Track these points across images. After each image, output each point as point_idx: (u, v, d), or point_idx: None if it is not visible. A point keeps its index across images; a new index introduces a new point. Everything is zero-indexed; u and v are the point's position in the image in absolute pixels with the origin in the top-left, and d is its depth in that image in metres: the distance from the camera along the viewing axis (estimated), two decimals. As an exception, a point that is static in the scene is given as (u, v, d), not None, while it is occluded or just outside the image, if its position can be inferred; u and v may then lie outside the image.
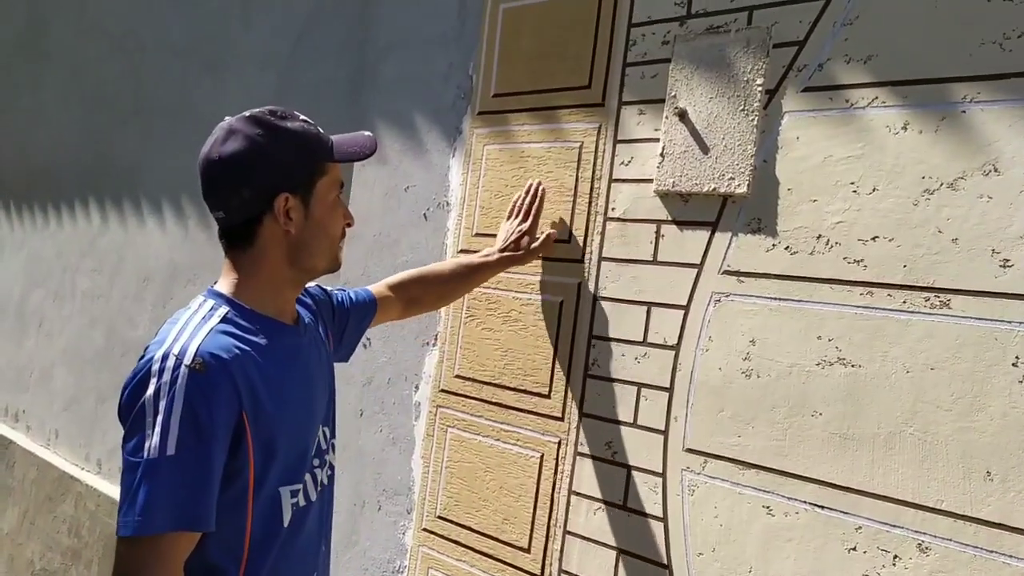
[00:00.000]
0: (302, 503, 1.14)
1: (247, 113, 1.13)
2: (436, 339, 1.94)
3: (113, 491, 3.17)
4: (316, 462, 1.19)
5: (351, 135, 1.20)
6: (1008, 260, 1.17)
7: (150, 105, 3.31)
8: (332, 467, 1.26)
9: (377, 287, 1.59)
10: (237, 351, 1.05)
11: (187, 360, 1.00)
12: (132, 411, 1.00)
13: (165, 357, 1.01)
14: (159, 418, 0.97)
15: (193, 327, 1.06)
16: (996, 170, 1.19)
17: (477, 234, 1.87)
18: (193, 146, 3.29)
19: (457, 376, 1.88)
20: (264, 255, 1.14)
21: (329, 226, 1.16)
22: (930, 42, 1.26)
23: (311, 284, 1.40)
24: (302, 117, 1.16)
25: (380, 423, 2.06)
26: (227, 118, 1.14)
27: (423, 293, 1.64)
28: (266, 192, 1.10)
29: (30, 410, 3.85)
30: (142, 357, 1.04)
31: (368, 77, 2.24)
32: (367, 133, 1.21)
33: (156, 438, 0.97)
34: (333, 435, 1.27)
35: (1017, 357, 1.15)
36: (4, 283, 4.17)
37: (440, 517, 1.87)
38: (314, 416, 1.19)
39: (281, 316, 1.16)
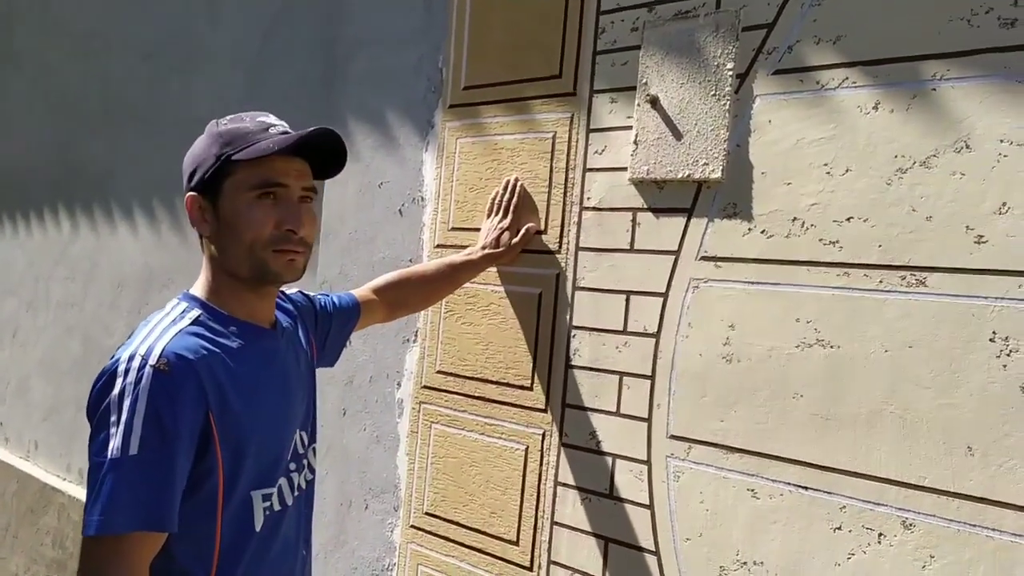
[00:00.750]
0: (276, 507, 1.13)
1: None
2: (416, 335, 1.93)
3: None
4: (292, 466, 1.17)
5: (281, 136, 1.09)
6: (982, 236, 1.17)
7: (118, 108, 3.26)
8: (312, 471, 1.24)
9: (360, 291, 1.58)
10: (204, 352, 1.04)
11: (152, 360, 1.00)
12: (98, 411, 1.00)
13: (131, 358, 1.01)
14: (123, 418, 0.97)
15: (162, 329, 1.05)
16: (968, 147, 1.19)
17: (453, 228, 1.86)
18: (163, 149, 3.25)
19: (439, 372, 1.86)
20: (207, 257, 1.14)
21: (242, 230, 1.07)
22: (898, 21, 1.26)
23: (292, 290, 1.38)
24: (260, 118, 1.12)
25: (363, 422, 2.04)
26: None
27: (407, 295, 1.63)
28: (186, 192, 1.12)
29: (8, 422, 3.79)
30: (111, 358, 1.03)
31: (339, 73, 2.21)
32: (320, 128, 1.11)
33: (120, 438, 0.96)
34: (313, 439, 1.26)
35: (994, 332, 1.16)
36: (-25, 294, 4.09)
37: (427, 513, 1.86)
38: (289, 419, 1.17)
39: (254, 319, 1.15)
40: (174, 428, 0.98)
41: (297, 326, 1.29)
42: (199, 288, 1.13)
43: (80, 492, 3.27)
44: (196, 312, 1.09)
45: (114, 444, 0.96)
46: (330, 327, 1.43)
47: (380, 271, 1.99)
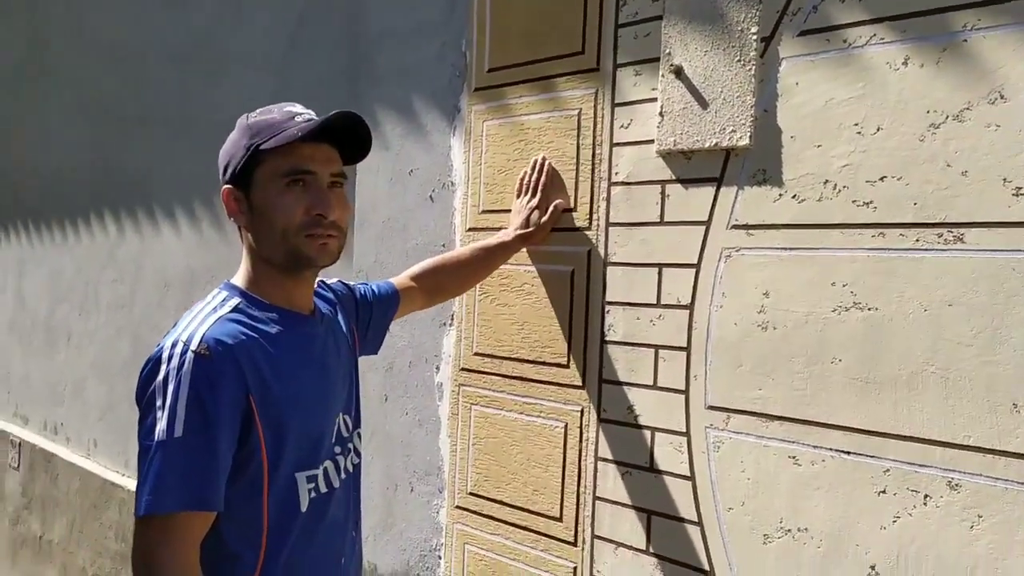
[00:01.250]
0: (323, 489, 1.16)
1: None
2: (452, 319, 1.95)
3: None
4: (337, 449, 1.20)
5: (307, 122, 1.11)
6: (1021, 188, 1.15)
7: (153, 114, 3.34)
8: (359, 455, 1.27)
9: (398, 279, 1.61)
10: (243, 337, 1.08)
11: (193, 346, 1.04)
12: (144, 396, 1.04)
13: (174, 344, 1.05)
14: (167, 402, 1.01)
15: (203, 316, 1.09)
16: (1002, 97, 1.16)
17: (484, 211, 1.87)
18: (198, 151, 3.33)
19: (476, 354, 1.88)
20: (246, 247, 1.18)
21: (274, 217, 1.10)
22: (925, -28, 1.23)
23: (332, 280, 1.42)
24: (287, 108, 1.15)
25: (405, 406, 2.08)
26: None
27: (444, 280, 1.66)
28: (222, 185, 1.16)
29: (67, 422, 3.93)
30: (157, 346, 1.07)
31: (363, 68, 2.23)
32: (341, 111, 1.12)
33: (165, 421, 1.00)
34: (358, 424, 1.29)
35: (1036, 286, 1.13)
36: (30, 300, 4.24)
37: (472, 494, 1.89)
38: (330, 402, 1.20)
39: (293, 306, 1.18)
40: (215, 411, 1.02)
41: (337, 313, 1.32)
42: (239, 278, 1.17)
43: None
44: (236, 300, 1.12)
45: (160, 427, 1.00)
46: (371, 315, 1.46)
47: (414, 257, 2.02)
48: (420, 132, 2.04)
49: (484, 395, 1.87)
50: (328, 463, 1.17)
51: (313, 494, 1.15)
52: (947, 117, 1.21)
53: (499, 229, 1.81)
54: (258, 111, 1.16)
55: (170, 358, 1.03)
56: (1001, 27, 1.16)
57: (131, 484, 3.43)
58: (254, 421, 1.05)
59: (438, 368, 1.99)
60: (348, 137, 1.16)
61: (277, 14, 2.67)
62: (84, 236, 3.80)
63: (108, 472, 3.59)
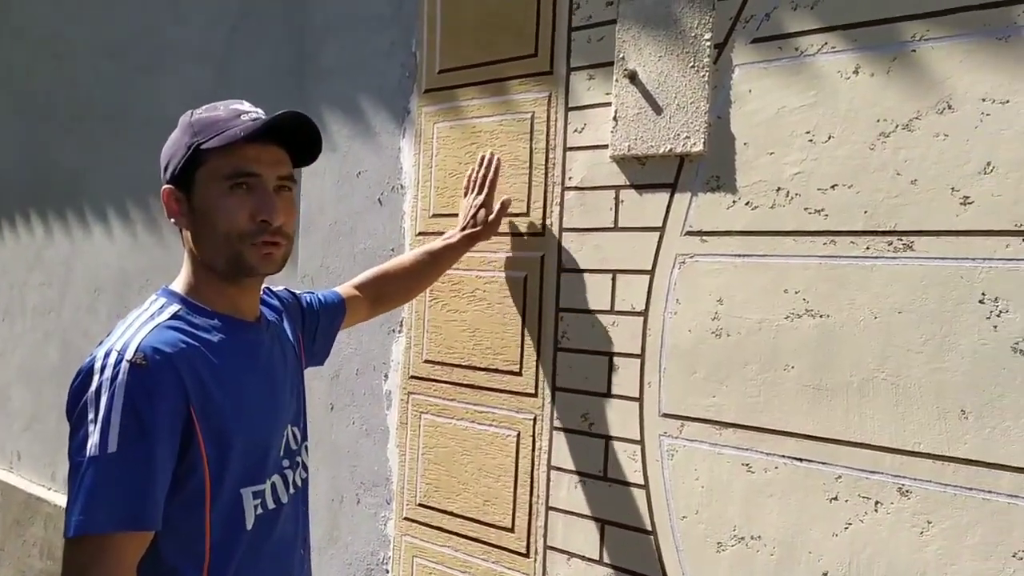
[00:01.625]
0: (270, 505, 1.10)
1: None
2: (402, 325, 1.90)
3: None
4: (286, 463, 1.14)
5: (252, 121, 1.05)
6: (968, 197, 1.16)
7: (87, 110, 3.19)
8: (307, 468, 1.22)
9: (344, 288, 1.56)
10: (183, 345, 1.02)
11: (128, 355, 0.97)
12: (75, 410, 0.98)
13: (107, 354, 0.98)
14: (100, 415, 0.95)
15: (139, 324, 1.02)
16: (950, 107, 1.18)
17: (435, 215, 1.83)
18: (135, 148, 3.19)
19: (426, 361, 1.84)
20: (187, 251, 1.12)
21: (215, 221, 1.04)
22: (876, -17, 1.24)
23: (279, 287, 1.36)
24: (234, 106, 1.09)
25: (351, 415, 2.01)
26: None
27: (390, 288, 1.61)
28: (163, 184, 1.10)
29: (-10, 434, 3.72)
30: (89, 356, 1.00)
31: (309, 63, 2.17)
32: (288, 111, 1.06)
33: (97, 435, 0.94)
34: (305, 436, 1.23)
35: (983, 293, 1.15)
36: (-50, 306, 4.01)
37: (421, 505, 1.84)
38: (277, 413, 1.15)
39: (237, 312, 1.12)
40: (152, 423, 0.95)
41: (283, 321, 1.27)
42: (179, 283, 1.11)
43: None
44: (175, 307, 1.06)
45: (92, 442, 0.94)
46: (317, 325, 1.40)
47: (362, 262, 1.97)
48: (368, 133, 1.99)
49: (434, 403, 1.82)
50: (276, 478, 1.12)
51: (259, 510, 1.09)
52: (897, 126, 1.23)
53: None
54: (203, 108, 1.10)
55: (103, 368, 0.96)
56: (949, 38, 1.18)
57: (58, 499, 3.26)
58: (195, 433, 0.99)
59: (386, 376, 1.94)
60: (297, 138, 1.10)
61: (218, 4, 2.57)
62: (9, 237, 3.61)
63: (33, 486, 3.42)
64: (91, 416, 0.94)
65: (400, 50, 1.93)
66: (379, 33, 1.97)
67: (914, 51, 1.21)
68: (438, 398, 1.82)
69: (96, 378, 0.96)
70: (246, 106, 1.09)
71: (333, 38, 2.09)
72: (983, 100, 1.15)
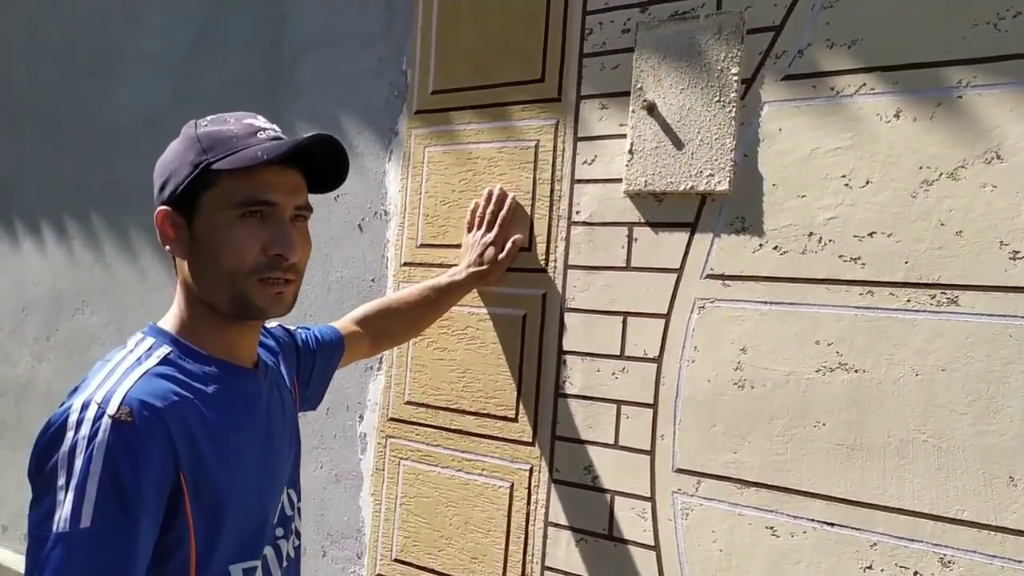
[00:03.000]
0: None
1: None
2: (381, 363, 1.75)
3: (17, 564, 2.78)
4: (280, 531, 0.99)
5: (273, 142, 0.92)
6: (1018, 252, 1.11)
7: (23, 114, 2.94)
8: (299, 535, 1.06)
9: (342, 323, 1.40)
10: (175, 398, 0.86)
11: (111, 409, 0.81)
12: (42, 472, 0.81)
13: (85, 406, 0.82)
14: (74, 481, 0.78)
15: (124, 370, 0.86)
16: (999, 157, 1.13)
17: (423, 244, 1.70)
18: (77, 158, 2.94)
19: (408, 403, 1.69)
20: (180, 284, 0.96)
21: (221, 254, 0.90)
22: (918, 25, 1.19)
23: (272, 323, 1.20)
24: (247, 120, 0.94)
25: (320, 459, 1.85)
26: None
27: (392, 324, 1.46)
28: (157, 206, 0.94)
29: None
30: (61, 405, 0.84)
31: (284, 77, 2.02)
32: (319, 134, 0.93)
33: (69, 506, 0.78)
34: (299, 498, 1.08)
35: (1034, 354, 1.09)
36: None
37: (397, 560, 1.68)
38: (276, 477, 0.99)
39: (236, 358, 0.96)
40: (137, 493, 0.80)
41: (280, 364, 1.11)
42: (169, 320, 0.95)
43: (9, 558, 2.90)
44: (165, 349, 0.90)
45: (61, 514, 0.77)
46: (313, 365, 1.25)
47: (336, 292, 1.82)
48: (350, 154, 1.84)
49: (416, 449, 1.68)
50: (269, 550, 0.96)
51: None
52: (941, 174, 1.17)
53: (439, 265, 1.65)
54: (209, 119, 0.95)
55: (79, 423, 0.80)
56: (998, 85, 1.13)
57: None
58: (183, 503, 0.83)
59: (362, 417, 1.78)
60: (319, 162, 0.97)
61: (180, 8, 2.40)
62: (-76, 248, 3.28)
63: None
64: (61, 481, 0.78)
65: (389, 68, 1.80)
66: (366, 49, 1.84)
67: (960, 97, 1.16)
68: (421, 443, 1.67)
69: (70, 435, 0.80)
70: (261, 121, 0.95)
71: (313, 53, 1.95)
72: (1035, 151, 1.10)
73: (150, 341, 0.92)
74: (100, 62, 2.65)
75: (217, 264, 0.90)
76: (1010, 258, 1.11)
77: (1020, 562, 1.09)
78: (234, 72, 2.21)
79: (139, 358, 0.88)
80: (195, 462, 0.85)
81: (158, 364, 0.88)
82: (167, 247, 0.94)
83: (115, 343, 2.47)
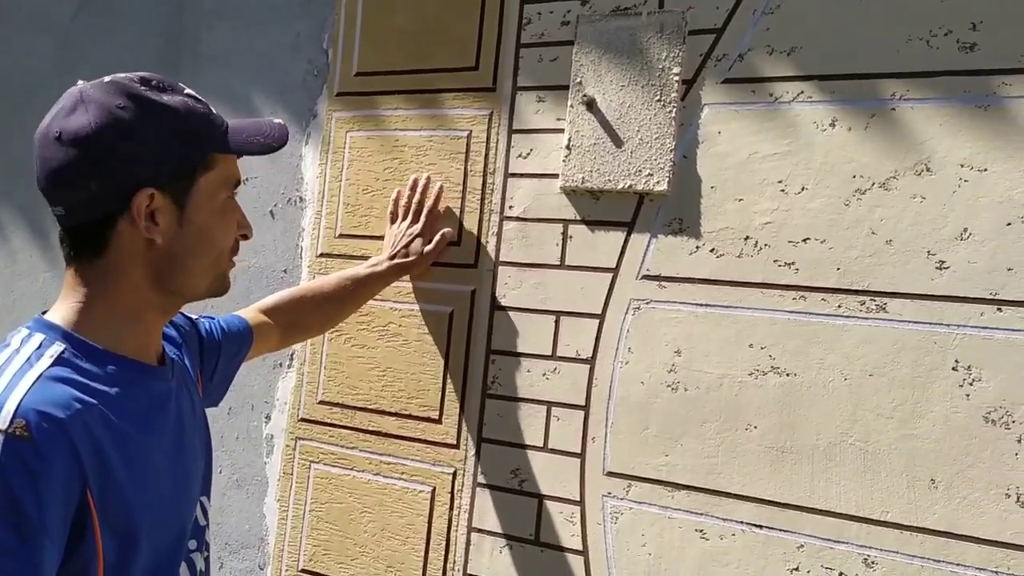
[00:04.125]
0: None
1: (108, 78, 0.83)
2: (292, 359, 1.64)
3: None
4: (192, 544, 0.88)
5: (251, 120, 0.93)
6: (944, 262, 1.15)
7: None
8: (209, 548, 0.95)
9: (248, 312, 1.29)
10: (79, 405, 0.75)
11: (3, 423, 0.70)
12: None
13: None
14: None
15: (12, 374, 0.74)
16: (928, 170, 1.17)
17: (342, 235, 1.60)
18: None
19: (322, 402, 1.59)
20: (118, 271, 0.83)
21: (215, 237, 0.87)
22: (855, 36, 1.22)
23: None
24: (187, 90, 0.87)
25: (220, 462, 1.70)
26: (80, 82, 0.84)
27: (305, 315, 1.36)
28: (122, 186, 0.80)
29: None
30: None
31: (187, 48, 1.86)
32: (275, 120, 0.94)
33: None
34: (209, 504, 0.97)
35: (956, 361, 1.13)
36: None
37: (304, 571, 1.58)
38: (190, 485, 0.89)
39: (142, 355, 0.85)
40: (38, 518, 0.69)
41: (183, 356, 1.00)
42: (63, 312, 0.82)
43: None
44: (58, 347, 0.78)
45: None
46: (218, 357, 1.13)
47: (242, 282, 1.69)
48: (262, 135, 1.72)
49: (329, 451, 1.58)
50: (183, 567, 0.85)
51: None
52: (873, 184, 1.20)
53: (360, 256, 1.56)
54: (149, 86, 0.83)
55: None
56: (929, 100, 1.17)
57: None
58: (90, 523, 0.72)
59: (268, 417, 1.67)
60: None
61: (66, -31, 2.18)
62: None
63: None
64: None
65: (308, 44, 1.69)
66: (283, 23, 1.72)
67: (893, 109, 1.19)
68: (335, 445, 1.58)
69: None
70: (192, 91, 0.88)
71: (222, 24, 1.80)
72: (961, 166, 1.15)
73: (39, 338, 0.79)
74: (-33, 19, 2.37)
75: (211, 246, 0.88)
76: (936, 268, 1.15)
77: (939, 561, 1.12)
78: (128, 39, 2.02)
79: (28, 359, 0.76)
80: (104, 478, 0.74)
81: (52, 365, 0.76)
82: (157, 235, 0.82)
83: (-22, 333, 2.22)
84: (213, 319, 1.19)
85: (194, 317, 1.15)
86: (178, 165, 0.83)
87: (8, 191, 2.13)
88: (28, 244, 2.12)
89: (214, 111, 0.88)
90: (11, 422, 0.69)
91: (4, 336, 0.81)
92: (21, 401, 0.71)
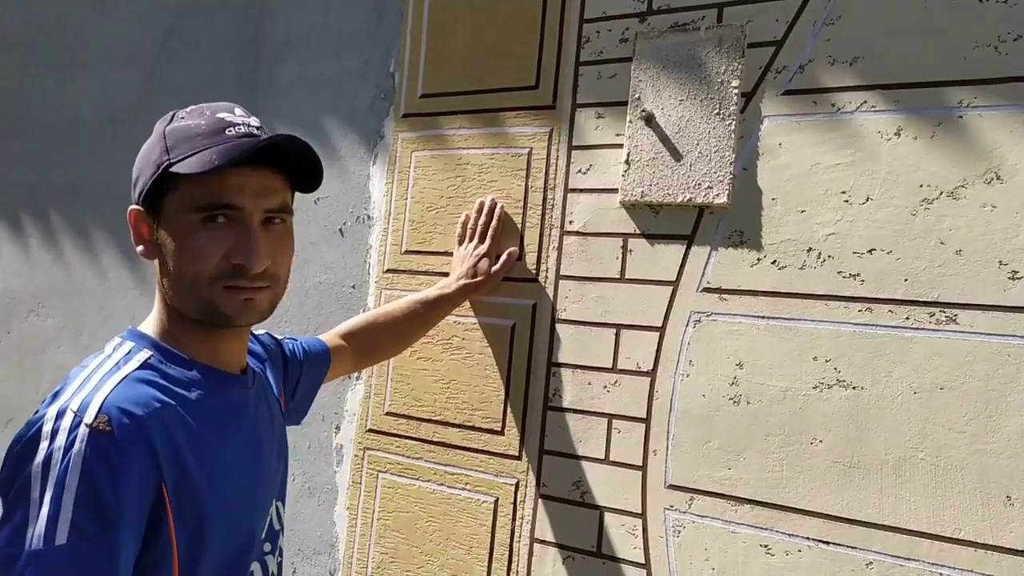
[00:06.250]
0: None
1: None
2: (361, 373, 1.70)
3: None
4: (267, 547, 0.93)
5: (247, 140, 0.85)
6: (1017, 272, 1.12)
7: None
8: (282, 553, 1.00)
9: (328, 336, 1.35)
10: (157, 404, 0.81)
11: (88, 418, 0.76)
12: (12, 486, 0.75)
13: (61, 414, 0.77)
14: (48, 495, 0.73)
15: (102, 375, 0.80)
16: (999, 178, 1.14)
17: (407, 251, 1.65)
18: (34, 154, 2.83)
19: (389, 413, 1.64)
20: (157, 286, 0.91)
21: (181, 260, 0.85)
22: (920, 44, 1.20)
23: (260, 331, 1.14)
24: (221, 114, 0.88)
25: (292, 471, 1.78)
26: None
27: (378, 339, 1.42)
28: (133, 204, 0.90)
29: None
30: (35, 413, 0.78)
31: (263, 77, 1.96)
32: (279, 135, 0.87)
33: (43, 522, 0.72)
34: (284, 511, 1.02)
35: (1032, 373, 1.10)
36: None
37: (372, 578, 1.62)
38: (263, 489, 0.94)
39: (220, 364, 0.91)
40: (117, 508, 0.74)
41: (267, 372, 1.05)
42: (149, 324, 0.89)
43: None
44: (145, 353, 0.85)
45: (35, 531, 0.71)
46: (300, 377, 1.19)
47: (314, 298, 1.76)
48: (332, 156, 1.80)
49: (396, 462, 1.62)
50: (256, 566, 0.90)
51: None
52: (941, 193, 1.18)
53: (425, 272, 1.61)
54: (187, 112, 0.89)
55: (54, 433, 0.74)
56: (998, 107, 1.14)
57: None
58: (166, 517, 0.78)
59: (338, 428, 1.72)
60: (293, 161, 0.89)
61: (151, 1, 2.32)
62: None
63: None
64: (35, 495, 0.72)
65: (375, 70, 1.76)
66: (352, 50, 1.80)
67: (960, 117, 1.17)
68: (401, 456, 1.62)
69: (44, 445, 0.74)
70: (236, 115, 0.88)
71: (295, 52, 1.89)
72: (1034, 173, 1.11)
73: (129, 345, 0.86)
74: (60, 53, 2.54)
75: (180, 271, 0.85)
76: (1009, 278, 1.12)
77: (1017, 582, 1.09)
78: (209, 69, 2.14)
79: (117, 363, 0.83)
80: (179, 474, 0.80)
81: (138, 369, 0.83)
82: (139, 248, 0.89)
83: (71, 347, 2.37)
84: (296, 340, 1.25)
85: (280, 338, 1.21)
86: (144, 182, 0.86)
87: (99, 213, 2.28)
88: (118, 263, 2.26)
89: (218, 132, 0.85)
90: (95, 417, 0.76)
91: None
92: (106, 399, 0.77)
